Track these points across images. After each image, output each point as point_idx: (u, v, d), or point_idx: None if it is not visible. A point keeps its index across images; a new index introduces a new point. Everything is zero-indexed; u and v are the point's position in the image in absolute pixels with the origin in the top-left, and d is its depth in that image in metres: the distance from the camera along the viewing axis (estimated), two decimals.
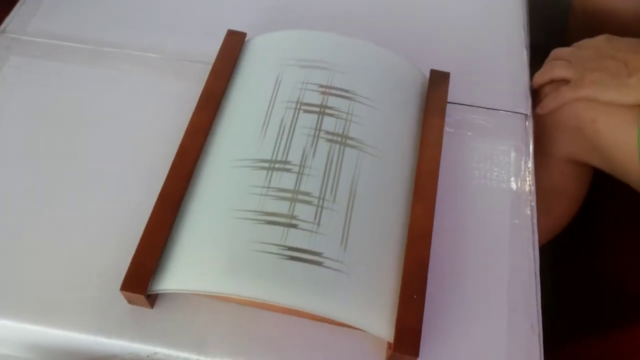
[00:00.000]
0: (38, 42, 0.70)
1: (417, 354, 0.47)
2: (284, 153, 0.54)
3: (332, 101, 0.57)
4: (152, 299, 0.51)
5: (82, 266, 0.54)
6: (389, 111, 0.59)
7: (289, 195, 0.51)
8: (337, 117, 0.56)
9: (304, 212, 0.50)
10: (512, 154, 0.64)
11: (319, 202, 0.51)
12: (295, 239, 0.49)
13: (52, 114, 0.64)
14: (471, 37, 0.75)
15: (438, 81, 0.64)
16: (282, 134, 0.55)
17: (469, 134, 0.65)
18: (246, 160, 0.54)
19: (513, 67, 0.72)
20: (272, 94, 0.58)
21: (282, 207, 0.51)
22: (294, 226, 0.50)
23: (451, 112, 0.66)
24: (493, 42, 0.74)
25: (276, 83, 0.59)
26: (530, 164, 0.63)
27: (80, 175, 0.60)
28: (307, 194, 0.51)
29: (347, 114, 0.56)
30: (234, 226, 0.50)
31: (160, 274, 0.50)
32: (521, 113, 0.67)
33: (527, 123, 0.66)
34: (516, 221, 0.59)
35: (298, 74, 0.59)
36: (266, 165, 0.53)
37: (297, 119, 0.56)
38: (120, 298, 0.51)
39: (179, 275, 0.49)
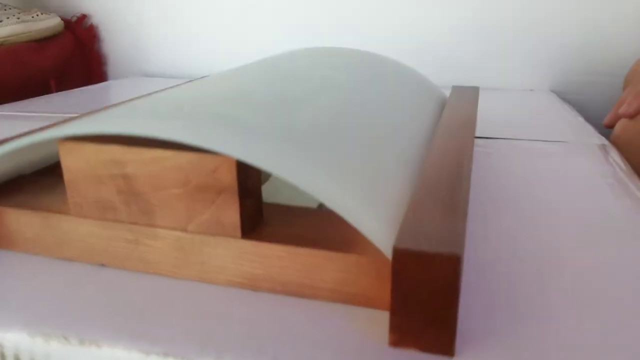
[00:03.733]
0: None
1: (456, 268, 0.19)
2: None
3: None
4: None
5: None
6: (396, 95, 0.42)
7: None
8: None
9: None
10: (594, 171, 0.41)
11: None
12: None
13: None
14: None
15: (464, 93, 0.48)
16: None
17: (522, 157, 0.44)
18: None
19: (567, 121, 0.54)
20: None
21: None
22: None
23: (492, 144, 0.47)
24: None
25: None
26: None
27: None
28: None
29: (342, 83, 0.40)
30: None
31: None
32: (595, 144, 0.47)
33: (608, 151, 0.45)
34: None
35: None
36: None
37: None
38: None
39: None
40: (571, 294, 0.24)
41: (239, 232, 0.24)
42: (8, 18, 0.84)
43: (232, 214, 0.23)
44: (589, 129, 0.52)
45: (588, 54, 0.74)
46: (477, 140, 0.48)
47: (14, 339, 0.22)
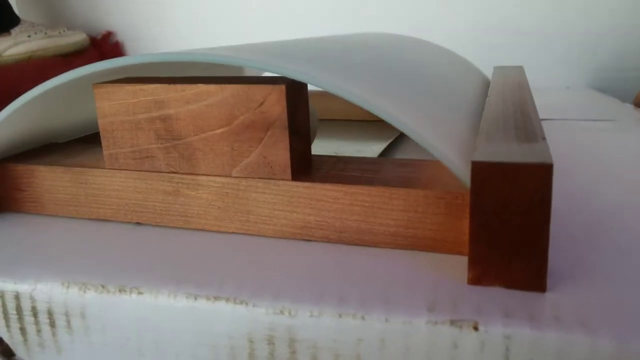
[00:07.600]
0: None
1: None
2: None
3: None
4: None
5: None
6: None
7: None
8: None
9: None
10: None
11: None
12: None
13: None
14: None
15: (508, 70, 0.45)
16: None
17: (574, 134, 0.42)
18: None
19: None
20: None
21: None
22: None
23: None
24: None
25: None
26: None
27: None
28: None
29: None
30: None
31: None
32: None
33: None
34: None
35: None
36: None
37: None
38: None
39: None
40: None
41: (289, 174, 0.22)
42: (36, 34, 0.86)
43: (281, 153, 0.21)
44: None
45: (624, 49, 0.71)
46: None
47: (47, 290, 0.20)
